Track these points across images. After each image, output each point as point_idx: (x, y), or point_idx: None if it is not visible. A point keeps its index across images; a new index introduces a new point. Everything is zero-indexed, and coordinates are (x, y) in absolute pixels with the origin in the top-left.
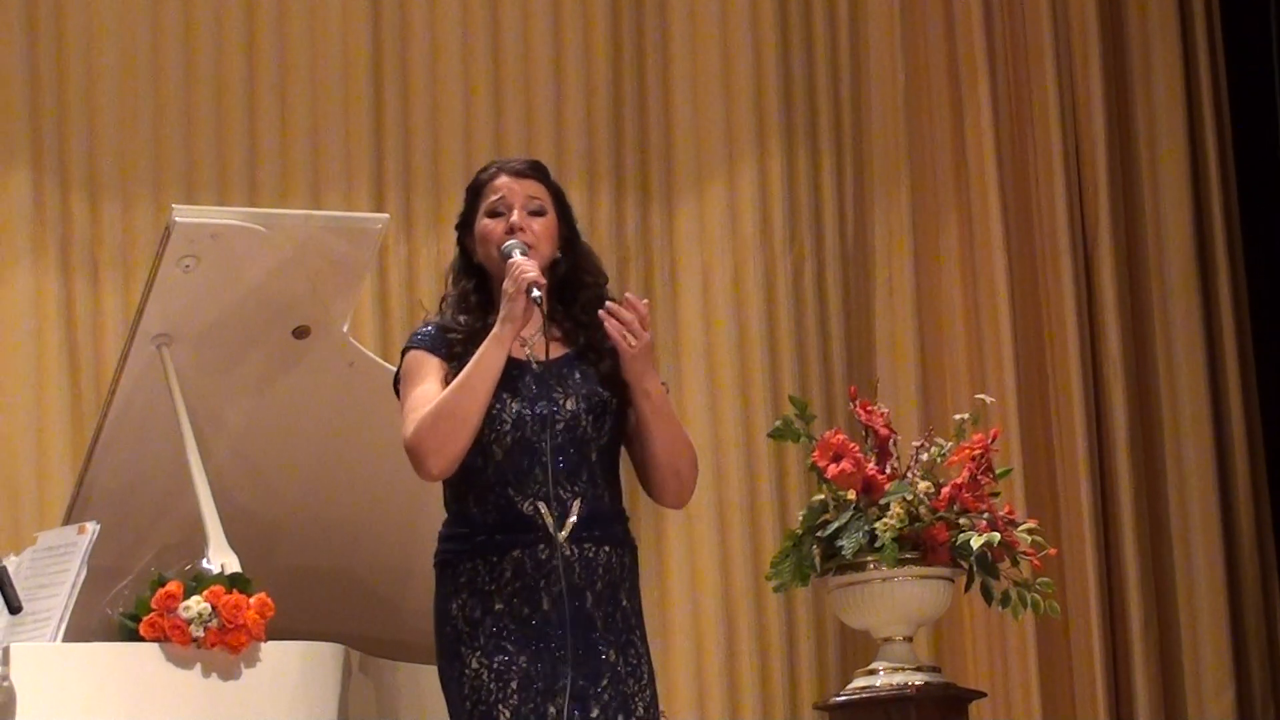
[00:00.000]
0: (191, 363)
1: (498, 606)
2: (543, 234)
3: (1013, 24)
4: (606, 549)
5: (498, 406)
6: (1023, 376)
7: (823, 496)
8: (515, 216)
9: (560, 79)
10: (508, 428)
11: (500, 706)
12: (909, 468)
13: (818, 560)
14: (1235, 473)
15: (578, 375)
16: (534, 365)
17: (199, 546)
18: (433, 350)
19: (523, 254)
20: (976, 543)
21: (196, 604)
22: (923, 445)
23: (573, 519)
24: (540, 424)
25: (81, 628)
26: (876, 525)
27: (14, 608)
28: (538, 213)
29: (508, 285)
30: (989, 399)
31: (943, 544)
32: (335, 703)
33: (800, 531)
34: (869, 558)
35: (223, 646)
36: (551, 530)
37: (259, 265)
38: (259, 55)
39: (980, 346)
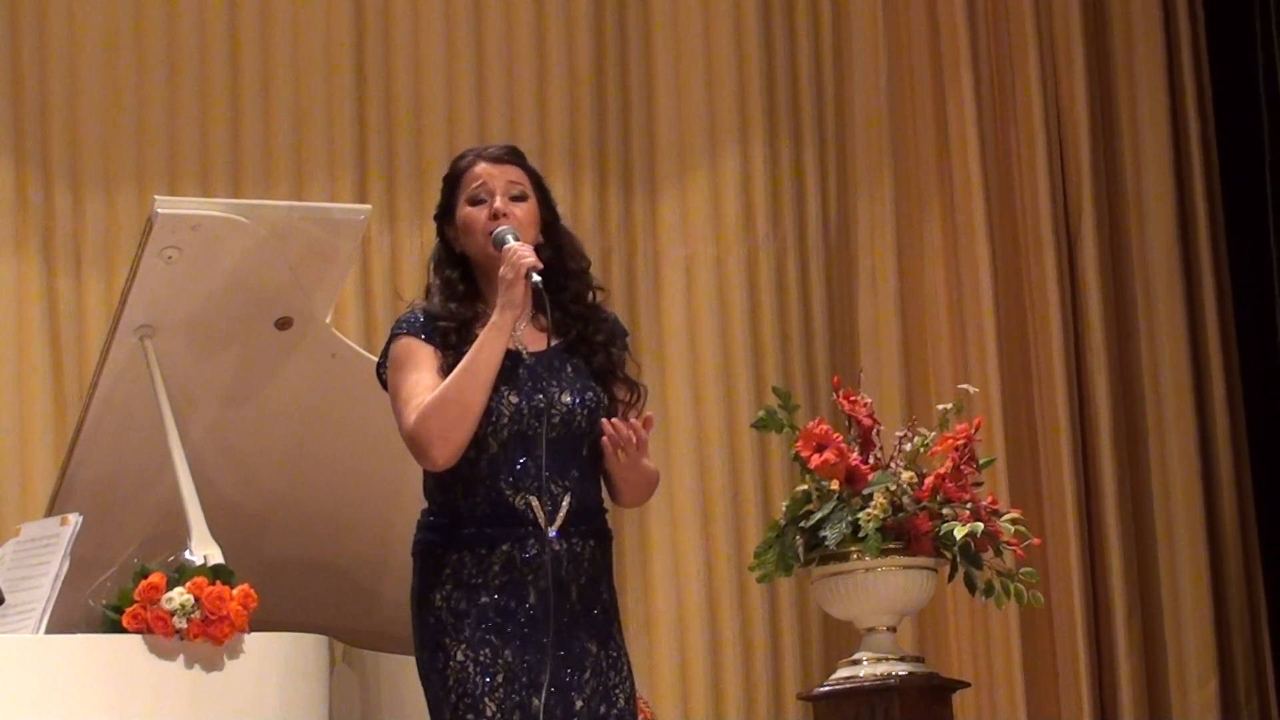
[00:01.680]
0: (174, 354)
1: (483, 599)
2: (525, 219)
3: (995, 13)
4: (591, 543)
5: (495, 399)
6: (1006, 366)
7: (806, 487)
8: (498, 203)
9: (543, 70)
10: (505, 420)
11: (486, 699)
12: (892, 458)
13: (801, 550)
14: (1218, 462)
15: (569, 368)
16: (525, 356)
17: (182, 538)
18: (425, 338)
19: (515, 239)
20: (960, 533)
21: (179, 595)
22: (906, 435)
23: (563, 513)
24: (536, 416)
25: (64, 619)
26: (860, 515)
27: None
28: (519, 198)
29: (505, 271)
30: (972, 389)
31: (926, 534)
32: (318, 694)
33: (783, 522)
34: (852, 548)
35: (206, 638)
36: (543, 525)
37: (241, 256)
38: (242, 46)
39: (963, 336)
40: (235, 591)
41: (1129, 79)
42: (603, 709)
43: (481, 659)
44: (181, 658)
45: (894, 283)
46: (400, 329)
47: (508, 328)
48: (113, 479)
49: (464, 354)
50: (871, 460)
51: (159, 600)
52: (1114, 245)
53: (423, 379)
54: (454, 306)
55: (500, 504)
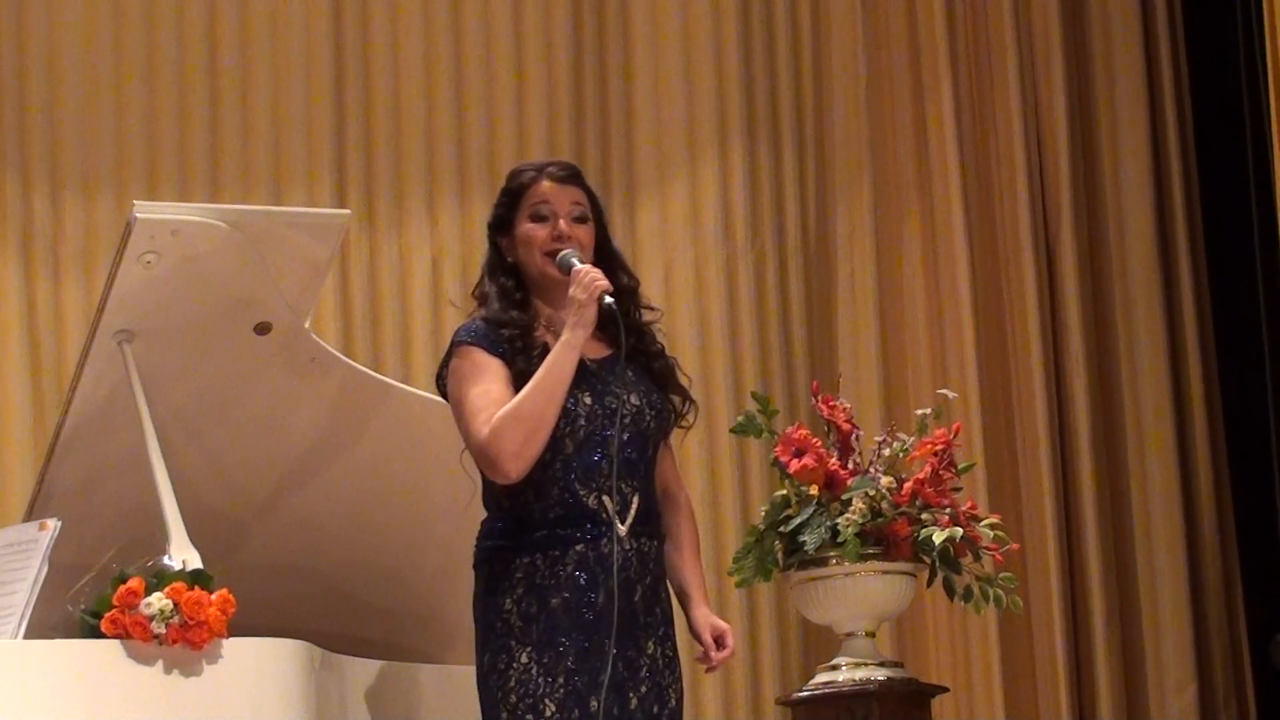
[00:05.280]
0: (153, 359)
1: (554, 601)
2: (586, 241)
3: (975, 20)
4: (655, 543)
5: (570, 401)
6: (985, 372)
7: (785, 492)
8: (562, 225)
9: (522, 76)
10: (581, 421)
11: (546, 699)
12: (871, 463)
13: (780, 555)
14: (1197, 468)
15: (630, 373)
16: (588, 362)
17: (160, 543)
18: (489, 349)
19: (580, 261)
20: (939, 538)
21: (158, 600)
22: (885, 440)
23: (633, 512)
24: (608, 417)
25: (43, 624)
26: (839, 520)
27: None
28: (581, 220)
29: (577, 292)
30: (951, 394)
31: (905, 539)
32: (297, 699)
33: (762, 527)
34: (831, 553)
35: (184, 643)
36: (617, 524)
37: (221, 261)
38: (220, 51)
39: (942, 342)
40: (214, 597)
41: (1108, 87)
42: (655, 708)
43: (545, 661)
44: (160, 663)
45: (873, 288)
46: (464, 338)
47: (579, 346)
48: (91, 484)
49: (527, 361)
50: (850, 465)
51: (137, 605)
52: (1093, 252)
53: (491, 391)
54: (515, 314)
55: (575, 504)
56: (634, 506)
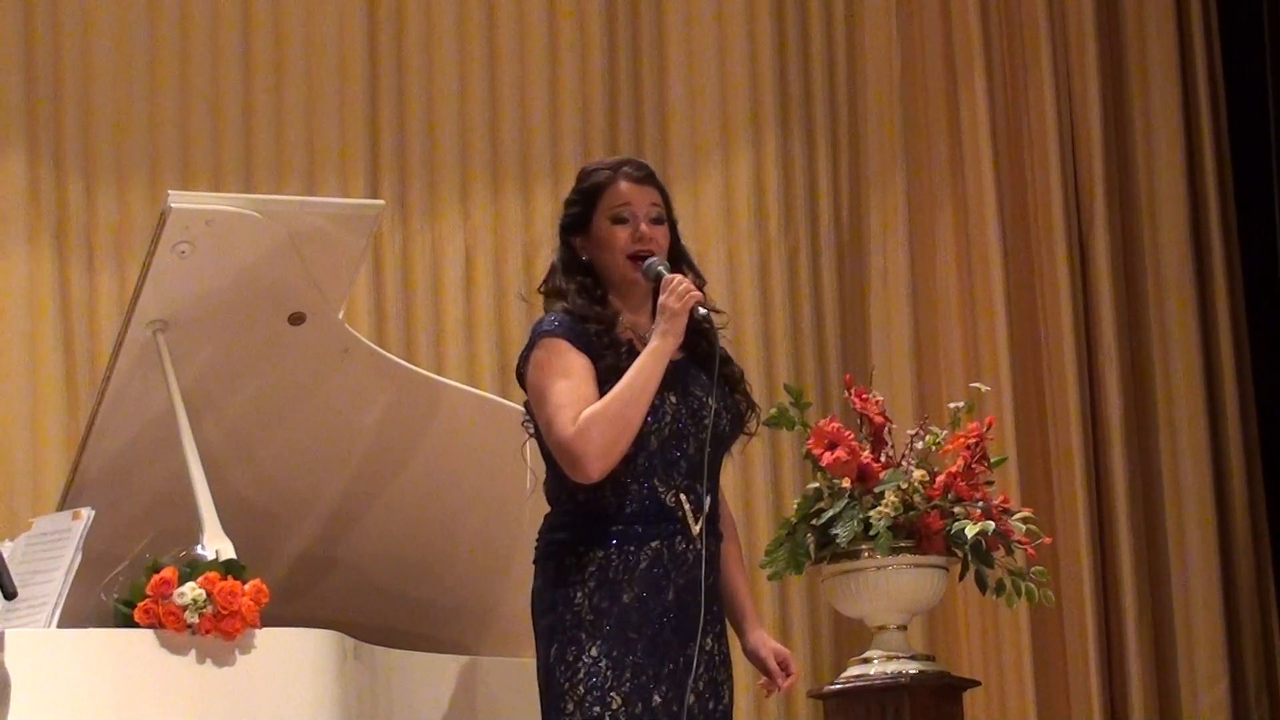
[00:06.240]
0: (187, 348)
1: (625, 597)
2: (664, 242)
3: (1008, 11)
4: (718, 542)
5: (658, 399)
6: (1018, 365)
7: (817, 484)
8: (643, 227)
9: (555, 66)
10: (668, 419)
11: (613, 693)
12: (904, 456)
13: (812, 548)
14: (1230, 461)
15: (704, 377)
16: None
17: (193, 532)
18: (575, 342)
19: (667, 270)
20: (971, 531)
21: (191, 590)
22: (918, 433)
23: (706, 511)
24: (691, 416)
25: (76, 613)
26: (871, 514)
27: (8, 593)
28: (658, 221)
29: (671, 301)
30: (984, 387)
31: (937, 532)
32: (329, 689)
33: (795, 519)
34: (863, 546)
35: (217, 633)
36: (691, 522)
37: (254, 251)
38: (255, 41)
39: (975, 335)
40: (247, 586)
41: (1142, 76)
42: (711, 704)
43: (614, 654)
44: (193, 653)
45: (906, 281)
46: (549, 330)
47: (668, 354)
48: (125, 473)
49: (616, 356)
50: (883, 458)
51: (171, 595)
52: (1126, 244)
53: (577, 388)
54: (598, 309)
55: (654, 501)
56: (707, 506)
